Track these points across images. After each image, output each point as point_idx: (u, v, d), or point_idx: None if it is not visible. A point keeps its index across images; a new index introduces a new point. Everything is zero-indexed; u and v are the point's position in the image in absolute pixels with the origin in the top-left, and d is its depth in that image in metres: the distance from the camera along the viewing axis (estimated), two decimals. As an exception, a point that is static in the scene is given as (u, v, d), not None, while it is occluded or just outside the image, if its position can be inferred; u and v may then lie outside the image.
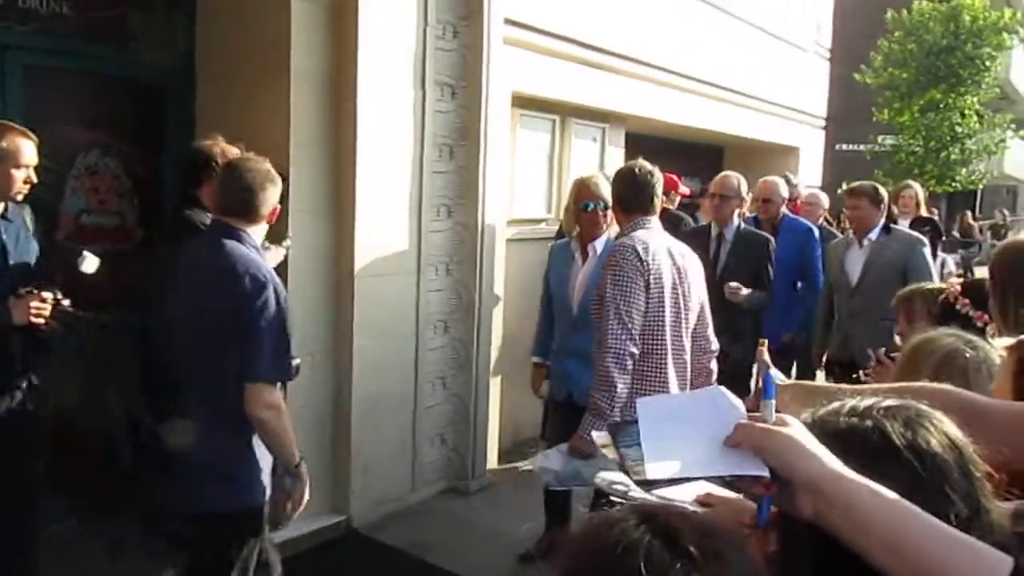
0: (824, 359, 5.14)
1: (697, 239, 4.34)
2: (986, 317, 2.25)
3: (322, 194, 4.24)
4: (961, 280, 2.60)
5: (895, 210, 5.98)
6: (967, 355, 1.77)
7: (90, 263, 3.16)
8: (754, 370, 3.04)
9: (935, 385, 1.44)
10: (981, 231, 20.49)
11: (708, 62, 7.59)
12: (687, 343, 3.34)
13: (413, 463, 4.80)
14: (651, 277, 3.13)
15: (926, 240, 4.94)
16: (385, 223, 4.45)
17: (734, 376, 3.39)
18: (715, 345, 3.51)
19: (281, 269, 3.80)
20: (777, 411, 1.05)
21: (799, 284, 5.28)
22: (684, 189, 6.68)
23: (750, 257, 4.71)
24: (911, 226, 5.89)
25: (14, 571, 3.12)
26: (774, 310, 4.88)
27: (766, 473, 0.98)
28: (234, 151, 3.14)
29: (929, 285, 2.96)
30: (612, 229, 3.92)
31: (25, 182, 3.00)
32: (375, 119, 4.30)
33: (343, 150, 4.26)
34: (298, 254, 4.10)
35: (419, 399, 4.78)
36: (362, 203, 4.28)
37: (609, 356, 3.08)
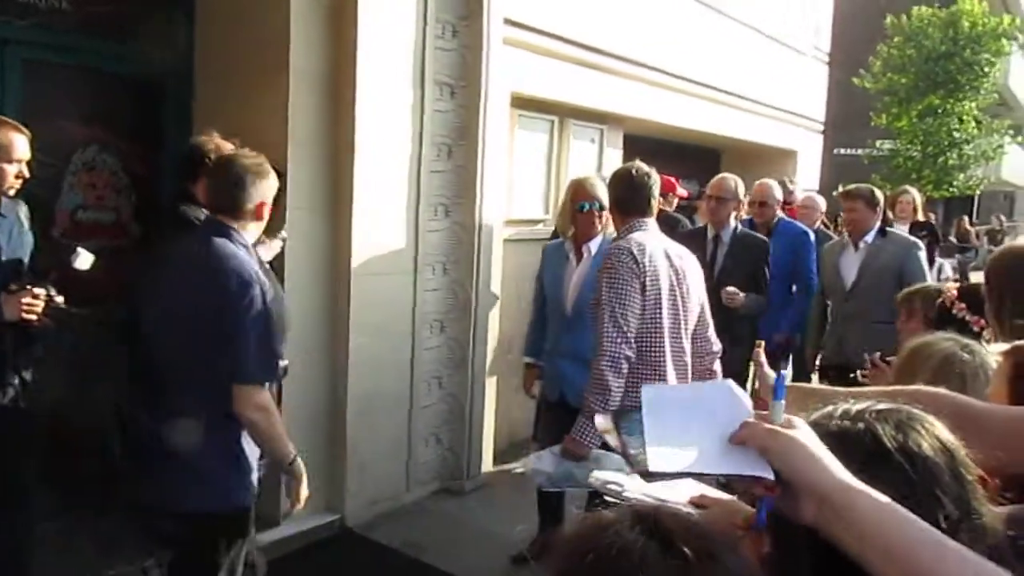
0: (818, 362, 5.15)
1: (694, 241, 4.33)
2: (983, 322, 2.25)
3: (320, 192, 4.24)
4: (958, 285, 2.60)
5: (890, 215, 5.98)
6: (964, 359, 1.77)
7: (84, 260, 3.14)
8: (750, 372, 3.05)
9: (931, 389, 1.44)
10: (978, 236, 20.51)
11: (707, 65, 7.60)
12: (687, 345, 3.32)
13: (408, 462, 4.80)
14: (647, 279, 3.12)
15: (922, 244, 4.93)
16: (383, 222, 4.45)
17: (732, 378, 3.38)
18: (717, 346, 3.48)
19: (278, 266, 3.80)
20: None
21: (794, 287, 5.28)
22: (682, 191, 6.68)
23: (747, 260, 4.71)
24: (910, 231, 5.89)
25: (8, 569, 3.11)
26: (769, 313, 4.88)
27: (770, 475, 0.96)
28: (229, 147, 3.12)
29: (934, 285, 2.96)
30: (607, 230, 3.93)
31: (17, 177, 2.98)
32: (374, 118, 4.30)
33: (341, 149, 4.25)
34: (295, 252, 4.10)
35: (415, 398, 4.77)
36: (360, 202, 4.28)
37: (604, 359, 3.07)
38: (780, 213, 5.51)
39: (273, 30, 4.04)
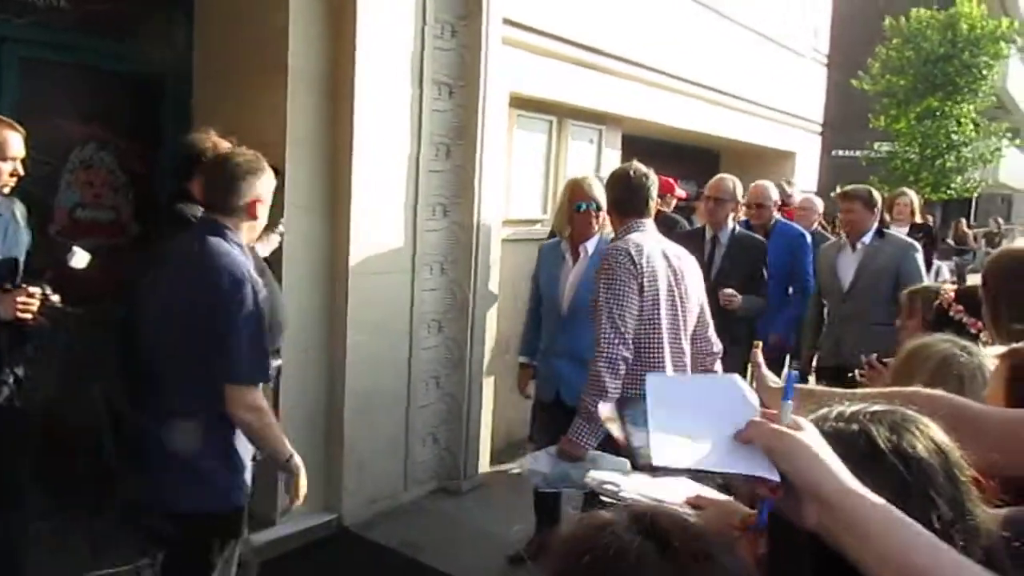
0: (815, 363, 5.14)
1: (691, 242, 4.32)
2: (980, 324, 2.26)
3: (318, 191, 4.24)
4: (955, 287, 2.61)
5: (886, 217, 5.98)
6: (962, 361, 1.77)
7: (80, 258, 3.12)
8: (748, 373, 3.05)
9: (928, 391, 1.44)
10: (975, 239, 20.53)
11: (706, 65, 7.60)
12: (687, 346, 3.31)
13: (405, 462, 4.80)
14: (645, 280, 3.12)
15: (919, 246, 4.93)
16: (381, 221, 4.44)
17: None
18: (717, 347, 3.46)
19: (275, 263, 3.80)
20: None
21: (790, 289, 5.28)
22: (680, 192, 6.68)
23: (745, 261, 4.70)
24: (909, 234, 5.89)
25: (3, 568, 3.11)
26: (765, 314, 4.88)
27: (775, 477, 0.95)
28: (226, 145, 3.12)
29: (935, 285, 2.94)
30: (604, 230, 3.93)
31: (12, 175, 2.97)
32: (372, 117, 4.30)
33: (340, 148, 4.25)
34: (293, 250, 4.10)
35: (412, 398, 4.77)
36: (358, 201, 4.28)
37: (601, 360, 3.06)
38: (777, 215, 5.51)
39: (272, 29, 4.03)
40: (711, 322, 3.46)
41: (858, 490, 0.92)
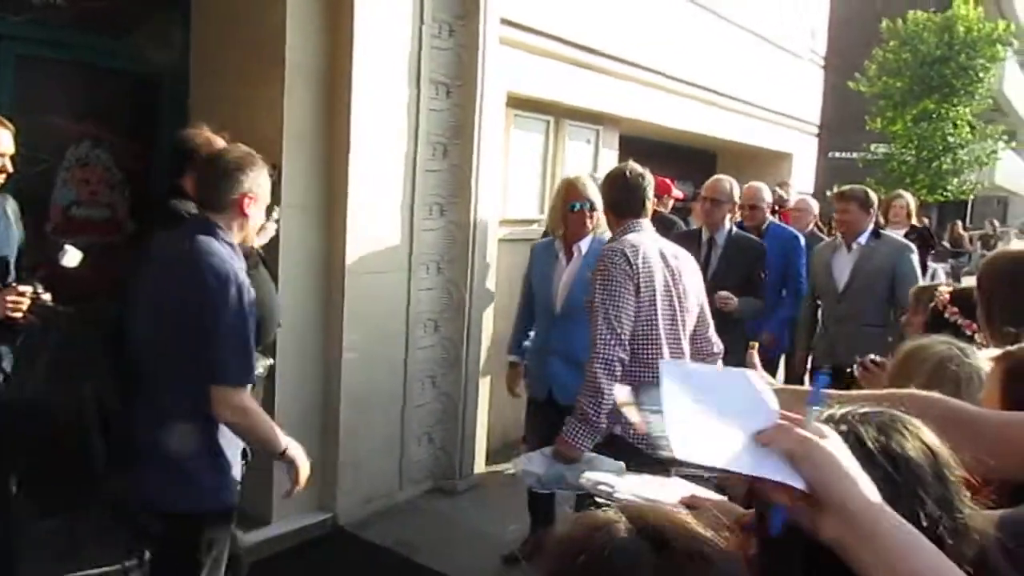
0: (810, 364, 5.14)
1: (688, 243, 4.30)
2: (975, 326, 2.26)
3: (315, 190, 4.24)
4: (951, 288, 2.61)
5: (880, 220, 5.99)
6: (959, 363, 1.77)
7: (71, 257, 3.09)
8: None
9: (924, 393, 1.44)
10: (971, 241, 20.57)
11: (703, 66, 7.61)
12: (686, 346, 3.28)
13: (401, 461, 4.79)
14: (641, 281, 3.09)
15: (914, 247, 4.93)
16: (377, 220, 4.44)
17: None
18: (718, 347, 3.43)
19: (272, 260, 3.78)
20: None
21: (783, 291, 5.27)
22: (677, 193, 6.68)
23: (742, 262, 4.65)
24: (906, 236, 5.88)
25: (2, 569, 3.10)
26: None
27: (801, 485, 0.90)
28: (219, 140, 3.10)
29: (945, 285, 2.92)
30: (598, 229, 3.93)
31: (0, 171, 2.96)
32: (369, 116, 4.29)
33: (337, 146, 4.25)
34: (289, 248, 4.10)
35: (408, 397, 4.77)
36: (355, 199, 4.28)
37: (597, 361, 3.03)
38: (770, 217, 5.50)
39: (269, 26, 4.03)
40: (711, 322, 3.44)
41: (883, 507, 0.90)
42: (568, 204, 3.92)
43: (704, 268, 4.49)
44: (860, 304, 4.66)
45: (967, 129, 19.37)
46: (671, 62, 7.08)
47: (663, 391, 1.03)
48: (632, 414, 1.10)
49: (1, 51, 3.78)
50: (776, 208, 6.70)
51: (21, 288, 2.88)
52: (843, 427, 1.00)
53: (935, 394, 1.44)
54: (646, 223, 3.32)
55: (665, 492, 1.41)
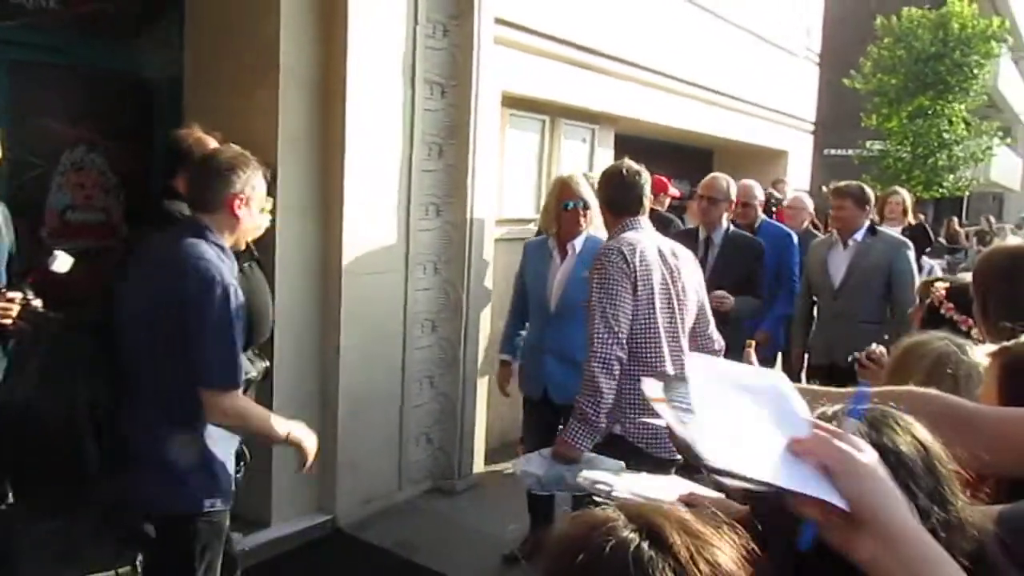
0: (807, 361, 5.13)
1: (685, 243, 4.26)
2: (970, 321, 2.26)
3: (310, 191, 4.23)
4: (947, 284, 2.60)
5: (875, 217, 5.98)
6: (957, 360, 1.77)
7: (62, 262, 3.06)
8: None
9: (921, 390, 1.45)
10: (967, 237, 20.60)
11: (698, 65, 7.61)
12: (685, 344, 3.25)
13: (399, 462, 4.79)
14: (639, 279, 3.06)
15: (911, 244, 4.91)
16: (374, 221, 4.44)
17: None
18: (719, 344, 3.40)
19: (268, 262, 3.77)
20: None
21: (778, 289, 5.24)
22: (674, 191, 6.69)
23: (740, 262, 4.59)
24: (903, 234, 5.86)
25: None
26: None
27: (842, 504, 0.86)
28: (211, 141, 3.09)
29: (957, 278, 2.91)
30: (591, 228, 3.93)
31: None
32: (364, 117, 4.29)
33: (332, 147, 4.24)
34: (286, 250, 4.09)
35: (406, 397, 4.77)
36: (350, 200, 4.27)
37: (595, 360, 3.01)
38: (762, 215, 5.49)
39: (263, 28, 4.02)
40: (712, 319, 3.42)
41: (924, 531, 0.87)
42: (562, 203, 3.92)
43: (702, 268, 4.47)
44: (856, 301, 4.65)
45: (962, 126, 19.42)
46: (666, 61, 7.08)
47: (692, 389, 1.00)
48: (665, 411, 1.07)
49: (-6, 56, 3.77)
50: (773, 207, 6.71)
51: (10, 294, 2.85)
52: (834, 423, 1.01)
53: (933, 391, 1.44)
54: (644, 221, 3.30)
55: (663, 490, 1.41)
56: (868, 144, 21.04)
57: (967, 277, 2.35)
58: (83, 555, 3.48)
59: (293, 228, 4.13)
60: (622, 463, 2.71)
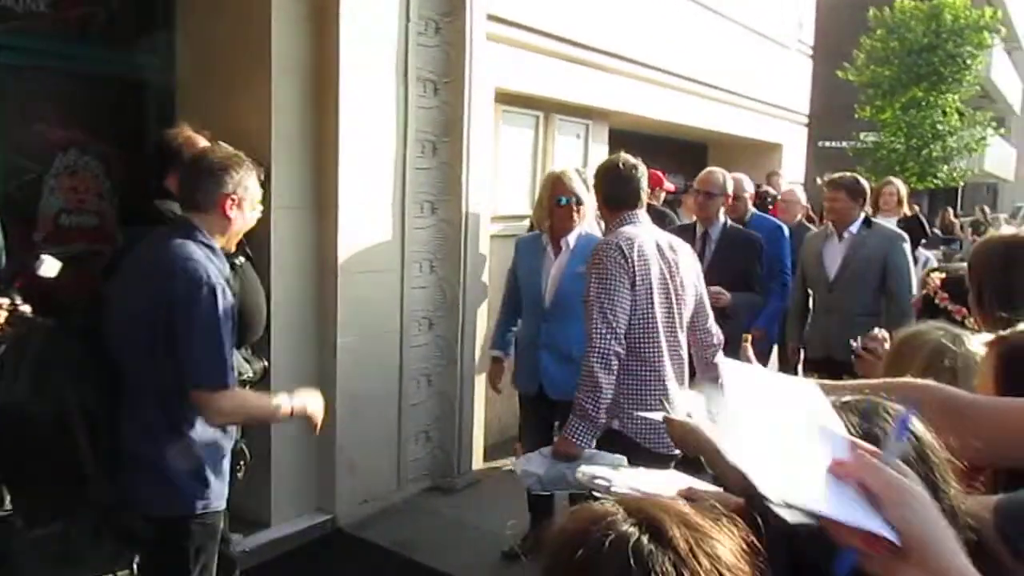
0: (803, 355, 5.11)
1: (681, 238, 4.27)
2: (964, 311, 2.27)
3: (304, 190, 4.22)
4: (942, 275, 2.61)
5: (868, 209, 5.98)
6: (954, 351, 1.77)
7: (49, 267, 3.04)
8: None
9: (919, 381, 1.45)
10: (962, 228, 20.64)
11: (691, 59, 7.60)
12: (683, 339, 3.25)
13: (398, 461, 4.79)
14: (637, 274, 3.06)
15: (907, 236, 4.89)
16: (368, 219, 4.43)
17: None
18: (718, 338, 3.38)
19: (263, 261, 3.76)
20: None
21: (770, 283, 5.22)
22: (669, 185, 6.68)
23: (736, 257, 4.55)
24: (898, 226, 5.85)
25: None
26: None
27: (895, 537, 0.81)
28: (200, 139, 3.08)
29: (957, 267, 2.90)
30: (584, 223, 3.93)
31: None
32: (357, 114, 4.28)
33: (325, 146, 4.23)
34: (281, 248, 4.09)
35: (404, 396, 4.76)
36: (345, 199, 4.26)
37: (593, 355, 3.00)
38: (753, 209, 5.47)
39: (255, 27, 4.01)
40: (711, 313, 3.40)
41: (971, 567, 0.83)
42: (555, 198, 3.92)
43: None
44: (851, 294, 4.61)
45: (956, 116, 19.46)
46: (659, 55, 7.07)
47: (729, 403, 0.96)
48: (716, 435, 1.03)
49: (-15, 59, 3.75)
50: (769, 203, 6.70)
51: None
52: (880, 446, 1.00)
53: (930, 382, 1.44)
54: (642, 215, 3.29)
55: (662, 485, 1.41)
56: (862, 136, 21.06)
57: (963, 267, 2.35)
58: (81, 557, 3.48)
59: (288, 227, 4.12)
60: (623, 458, 2.70)
